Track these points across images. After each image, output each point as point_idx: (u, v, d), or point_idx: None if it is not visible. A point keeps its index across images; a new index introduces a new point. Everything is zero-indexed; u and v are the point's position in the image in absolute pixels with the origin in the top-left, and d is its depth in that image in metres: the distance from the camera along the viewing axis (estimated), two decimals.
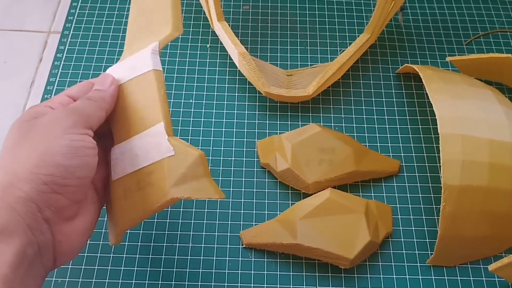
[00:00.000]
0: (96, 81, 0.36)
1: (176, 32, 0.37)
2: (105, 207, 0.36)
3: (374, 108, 0.49)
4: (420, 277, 0.40)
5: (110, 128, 0.37)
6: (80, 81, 0.50)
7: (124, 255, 0.41)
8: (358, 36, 0.51)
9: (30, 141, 0.30)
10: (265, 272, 0.40)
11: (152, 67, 0.36)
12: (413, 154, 0.46)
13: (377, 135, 0.47)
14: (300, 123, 0.48)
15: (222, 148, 0.47)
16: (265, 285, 0.40)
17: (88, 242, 0.41)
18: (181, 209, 0.43)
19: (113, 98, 0.35)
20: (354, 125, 0.48)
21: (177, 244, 0.41)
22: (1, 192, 0.28)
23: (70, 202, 0.30)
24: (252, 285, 0.40)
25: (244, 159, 0.46)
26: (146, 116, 0.35)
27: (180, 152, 0.33)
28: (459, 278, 0.40)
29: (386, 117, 0.49)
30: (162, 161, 0.33)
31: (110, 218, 0.36)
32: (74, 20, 0.55)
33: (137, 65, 0.36)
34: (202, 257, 0.41)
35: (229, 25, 0.51)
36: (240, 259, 0.41)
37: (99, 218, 0.35)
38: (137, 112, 0.35)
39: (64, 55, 0.53)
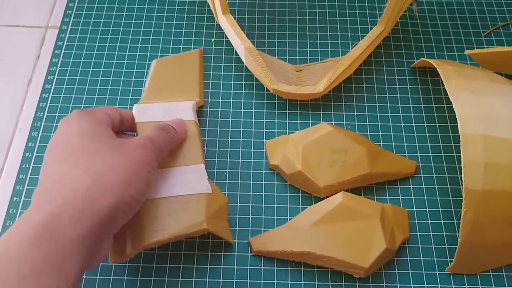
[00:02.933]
0: (174, 123, 0.40)
1: (201, 103, 0.46)
2: None
3: (388, 105, 0.47)
4: (439, 286, 0.38)
5: None
6: (79, 79, 0.48)
7: (127, 264, 0.39)
8: (371, 28, 0.48)
9: (122, 159, 0.33)
10: (275, 281, 0.38)
11: (194, 119, 0.43)
12: (430, 154, 0.44)
13: (392, 133, 0.45)
14: (310, 121, 0.46)
15: (229, 149, 0.44)
16: None
17: None
18: None
19: (180, 143, 0.40)
20: (368, 123, 0.46)
21: (182, 252, 0.39)
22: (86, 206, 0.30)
23: (124, 222, 0.33)
24: None
25: (252, 160, 0.44)
26: (186, 155, 0.41)
27: (215, 193, 0.39)
28: (480, 287, 0.38)
29: (401, 114, 0.46)
30: (201, 195, 0.38)
31: (125, 236, 0.37)
32: (73, 15, 0.53)
33: (177, 112, 0.43)
34: (208, 266, 0.39)
35: (234, 18, 0.49)
36: (248, 267, 0.39)
37: None
38: (177, 148, 0.41)
39: (63, 51, 0.50)
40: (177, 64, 0.48)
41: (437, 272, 0.39)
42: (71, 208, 0.29)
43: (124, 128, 0.40)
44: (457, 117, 0.37)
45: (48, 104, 0.47)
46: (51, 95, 0.47)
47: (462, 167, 0.36)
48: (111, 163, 0.32)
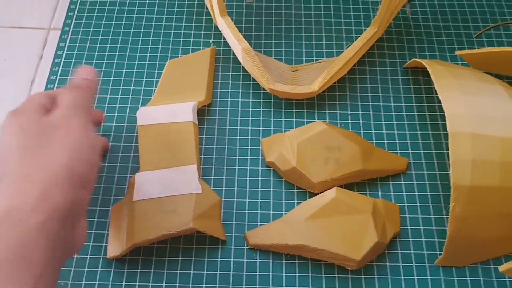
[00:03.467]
0: (81, 71, 0.38)
1: (207, 101, 0.47)
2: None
3: (381, 104, 0.48)
4: (428, 277, 0.40)
5: None
6: None
7: (127, 258, 0.40)
8: (365, 29, 0.50)
9: (54, 141, 0.31)
10: (271, 274, 0.40)
11: (192, 120, 0.44)
12: (422, 151, 0.45)
13: (384, 131, 0.46)
14: (305, 120, 0.47)
15: (226, 147, 0.46)
16: (270, 287, 0.39)
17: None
18: None
19: (97, 85, 0.39)
20: (361, 121, 0.47)
21: (181, 246, 0.41)
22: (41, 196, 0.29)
23: (88, 198, 0.32)
24: (257, 286, 0.39)
25: (249, 157, 0.45)
26: (180, 155, 0.42)
27: (206, 193, 0.41)
28: (468, 278, 0.40)
29: (393, 113, 0.48)
30: (190, 195, 0.40)
31: (119, 233, 0.40)
32: (75, 16, 0.54)
33: (178, 113, 0.45)
34: (206, 259, 0.40)
35: (232, 20, 0.50)
36: (245, 260, 0.40)
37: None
38: (172, 149, 0.43)
39: (65, 52, 0.52)
40: (188, 63, 0.50)
41: (427, 264, 0.40)
42: (28, 195, 0.28)
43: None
44: (446, 115, 0.39)
45: None
46: None
47: (450, 163, 0.37)
48: (56, 142, 0.31)
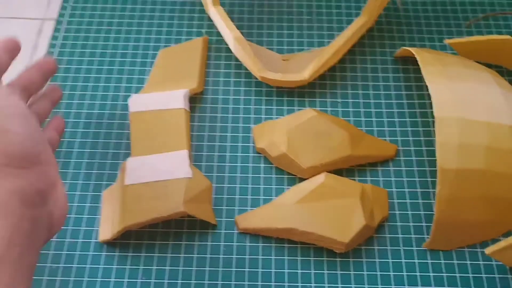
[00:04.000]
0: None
1: (199, 89, 0.48)
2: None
3: (371, 92, 0.49)
4: (416, 261, 0.40)
5: None
6: (75, 68, 0.50)
7: (119, 241, 0.41)
8: (356, 19, 0.50)
9: None
10: (260, 257, 0.40)
11: (183, 107, 0.45)
12: (410, 138, 0.46)
13: (374, 119, 0.47)
14: (296, 108, 0.48)
15: (218, 134, 0.46)
16: (259, 270, 0.40)
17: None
18: None
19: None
20: (351, 109, 0.48)
21: (172, 230, 0.41)
22: None
23: (49, 166, 0.29)
24: (246, 269, 0.40)
25: (240, 144, 0.46)
26: (172, 141, 0.43)
27: (196, 178, 0.41)
28: (455, 262, 0.40)
29: (383, 101, 0.48)
30: (181, 180, 0.41)
31: (110, 217, 0.40)
32: (70, 7, 0.55)
33: (169, 100, 0.45)
34: (196, 243, 0.41)
35: (224, 9, 0.51)
36: (234, 244, 0.41)
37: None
38: (163, 135, 0.44)
39: (59, 42, 0.52)
40: (180, 52, 0.50)
41: (414, 248, 0.41)
42: None
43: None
44: (432, 100, 0.39)
45: None
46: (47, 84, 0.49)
47: (436, 147, 0.38)
48: None
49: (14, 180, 0.27)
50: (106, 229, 0.40)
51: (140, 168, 0.42)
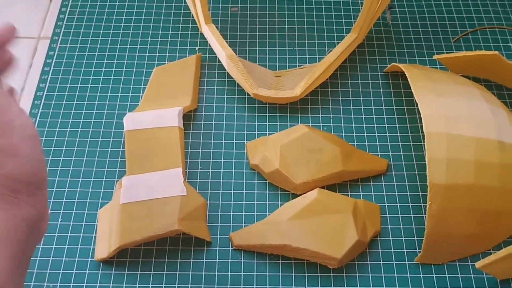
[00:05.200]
0: None
1: (193, 106, 0.48)
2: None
3: (362, 107, 0.49)
4: (408, 275, 0.41)
5: None
6: (69, 86, 0.51)
7: (115, 259, 0.41)
8: (346, 36, 0.51)
9: None
10: (255, 273, 0.41)
11: (178, 125, 0.45)
12: (401, 153, 0.47)
13: (365, 134, 0.48)
14: (289, 123, 0.49)
15: (212, 150, 0.47)
16: (254, 286, 0.40)
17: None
18: None
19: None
20: (343, 124, 0.48)
21: (167, 247, 0.42)
22: None
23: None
24: (242, 286, 0.40)
25: (234, 160, 0.46)
26: (166, 159, 0.44)
27: (191, 195, 0.42)
28: (447, 275, 0.41)
29: (374, 116, 0.49)
30: (175, 198, 0.41)
31: (106, 235, 0.41)
32: (63, 25, 0.55)
33: (164, 118, 0.46)
34: (192, 260, 0.41)
35: (217, 27, 0.52)
36: (230, 261, 0.41)
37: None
38: (158, 153, 0.44)
39: (54, 60, 0.53)
40: (174, 70, 0.51)
41: (406, 262, 0.41)
42: None
43: None
44: (422, 116, 0.40)
45: (40, 110, 0.49)
46: (42, 102, 0.50)
47: (427, 163, 0.39)
48: None
49: (25, 207, 0.27)
50: (102, 248, 0.41)
51: (136, 187, 0.42)
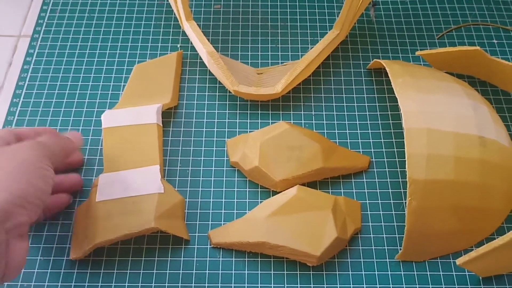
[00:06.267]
0: (69, 134, 0.41)
1: (173, 103, 0.48)
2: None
3: (344, 104, 0.49)
4: (389, 273, 0.40)
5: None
6: (49, 84, 0.50)
7: (91, 258, 0.40)
8: (328, 32, 0.51)
9: (5, 161, 0.33)
10: (233, 272, 0.40)
11: (156, 122, 0.45)
12: (383, 150, 0.46)
13: (347, 131, 0.47)
14: (270, 121, 0.48)
15: (192, 148, 0.46)
16: (232, 285, 0.39)
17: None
18: None
19: (73, 151, 0.41)
20: (325, 121, 0.48)
21: (144, 246, 0.41)
22: None
23: (29, 220, 0.32)
24: (219, 285, 0.39)
25: (214, 158, 0.46)
26: (143, 157, 0.43)
27: (168, 193, 0.41)
28: (428, 273, 0.40)
29: (356, 113, 0.48)
30: (152, 195, 0.40)
31: (82, 234, 0.40)
32: (44, 24, 0.55)
33: (142, 116, 0.45)
34: (169, 258, 0.41)
35: (199, 24, 0.51)
36: (208, 259, 0.41)
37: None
38: (135, 151, 0.43)
39: (34, 58, 0.52)
40: (155, 67, 0.50)
41: (387, 260, 0.41)
42: None
43: None
44: (401, 112, 0.39)
45: (19, 108, 0.49)
46: (21, 100, 0.49)
47: (406, 158, 0.38)
48: None
49: None
50: (77, 247, 0.40)
51: (112, 184, 0.41)
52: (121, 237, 0.39)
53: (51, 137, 0.38)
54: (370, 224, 0.42)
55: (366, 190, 0.44)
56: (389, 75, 0.43)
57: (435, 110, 0.41)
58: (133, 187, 0.41)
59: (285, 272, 0.40)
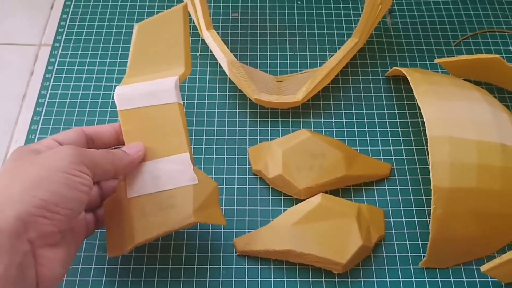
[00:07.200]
0: (127, 146, 0.39)
1: (188, 71, 0.42)
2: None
3: (364, 111, 0.49)
4: (413, 279, 0.41)
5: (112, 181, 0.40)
6: (71, 93, 0.51)
7: (118, 266, 0.41)
8: (347, 40, 0.51)
9: (32, 168, 0.32)
10: (259, 279, 0.41)
11: (176, 101, 0.39)
12: (404, 157, 0.47)
13: (368, 138, 0.48)
14: (291, 128, 0.49)
15: (214, 156, 0.47)
16: None
17: (82, 254, 0.41)
18: None
19: (131, 164, 0.38)
20: (345, 129, 0.48)
21: (171, 254, 0.42)
22: None
23: (55, 229, 0.31)
24: None
25: (236, 166, 0.46)
26: (169, 143, 0.39)
27: (202, 182, 0.38)
28: (452, 279, 0.41)
29: (376, 120, 0.49)
30: (187, 187, 0.37)
31: (117, 232, 0.38)
32: (64, 32, 0.56)
33: (158, 94, 0.40)
34: (196, 266, 0.41)
35: (218, 33, 0.52)
36: (234, 266, 0.41)
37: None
38: (158, 138, 0.39)
39: (55, 67, 0.53)
40: (159, 27, 0.44)
41: (411, 267, 0.41)
42: None
43: (102, 144, 0.40)
44: (424, 120, 0.40)
45: (42, 117, 0.49)
46: (44, 108, 0.50)
47: (430, 166, 0.39)
48: (18, 174, 0.31)
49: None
50: (115, 246, 0.38)
51: (141, 177, 0.38)
52: (161, 235, 0.37)
53: (99, 151, 0.36)
54: (393, 231, 0.43)
55: (388, 197, 0.44)
56: (411, 83, 0.43)
57: (457, 118, 0.41)
58: (163, 179, 0.38)
59: (310, 280, 0.41)
